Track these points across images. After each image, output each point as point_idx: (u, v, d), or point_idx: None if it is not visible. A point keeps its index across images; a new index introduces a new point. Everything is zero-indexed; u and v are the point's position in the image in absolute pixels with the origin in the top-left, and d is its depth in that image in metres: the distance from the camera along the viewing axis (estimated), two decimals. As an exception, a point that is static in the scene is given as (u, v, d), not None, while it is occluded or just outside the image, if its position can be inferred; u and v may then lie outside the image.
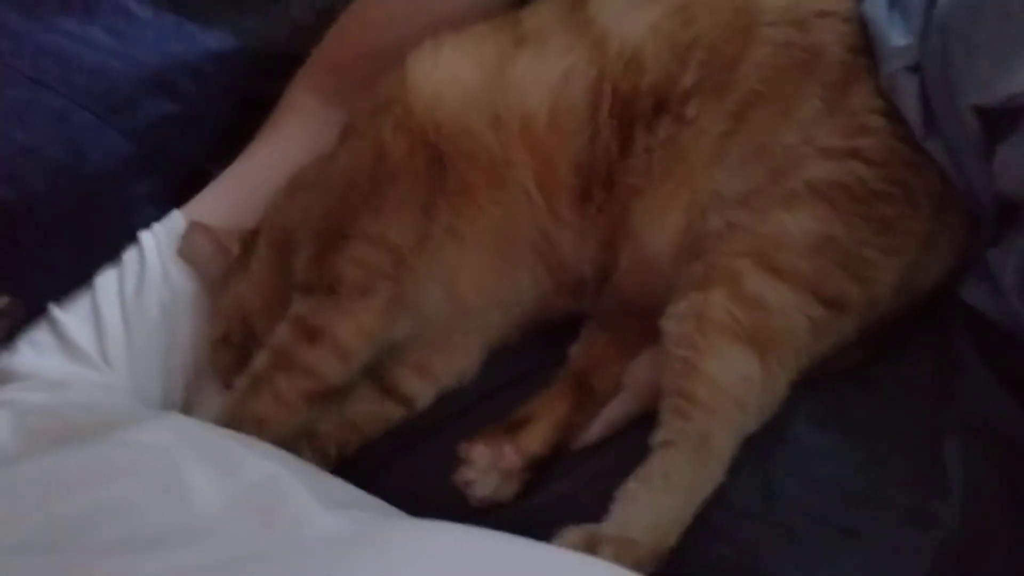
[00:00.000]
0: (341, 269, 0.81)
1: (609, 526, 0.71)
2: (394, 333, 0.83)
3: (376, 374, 0.86)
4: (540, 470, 0.80)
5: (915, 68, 0.76)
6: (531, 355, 0.86)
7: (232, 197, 0.94)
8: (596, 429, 0.80)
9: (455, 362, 0.86)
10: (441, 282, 0.83)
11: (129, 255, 0.90)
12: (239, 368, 0.85)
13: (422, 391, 0.87)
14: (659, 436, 0.72)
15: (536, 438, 0.80)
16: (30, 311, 0.88)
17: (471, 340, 0.86)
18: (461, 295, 0.83)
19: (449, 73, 0.83)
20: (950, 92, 0.74)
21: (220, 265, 0.90)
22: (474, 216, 0.81)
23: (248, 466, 0.69)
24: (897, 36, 0.76)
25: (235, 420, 0.81)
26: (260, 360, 0.82)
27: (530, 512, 0.78)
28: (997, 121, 0.74)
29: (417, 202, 0.81)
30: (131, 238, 0.91)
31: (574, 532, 0.70)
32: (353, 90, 0.91)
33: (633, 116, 0.78)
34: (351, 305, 0.81)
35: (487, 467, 0.79)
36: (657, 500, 0.71)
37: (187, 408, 0.89)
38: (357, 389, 0.86)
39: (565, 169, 0.80)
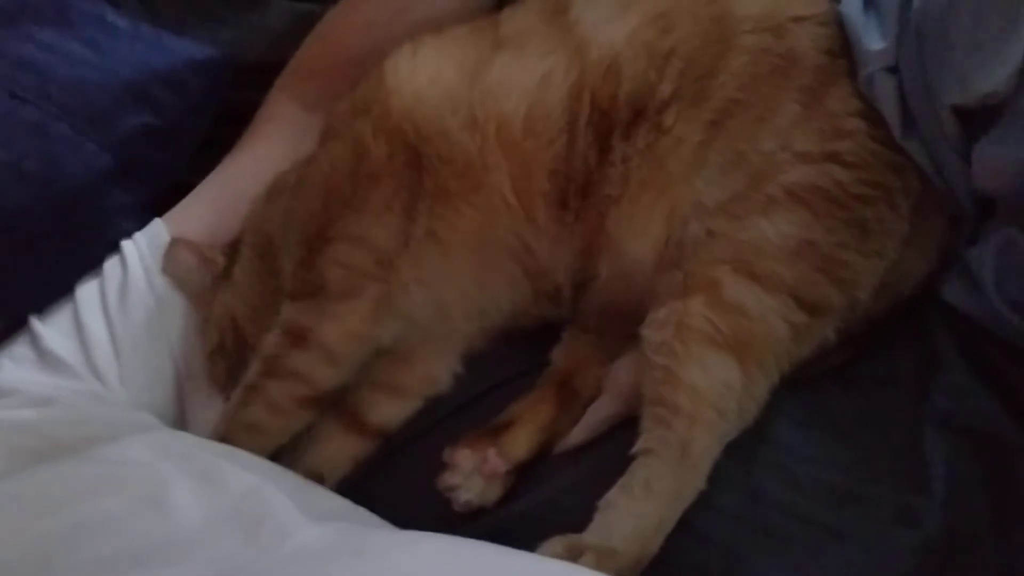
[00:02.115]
0: (326, 272, 0.81)
1: (591, 535, 0.71)
2: (382, 337, 0.83)
3: (342, 408, 0.86)
4: (523, 473, 0.80)
5: (893, 69, 0.76)
6: (514, 360, 0.86)
7: (214, 206, 0.94)
8: (578, 432, 0.80)
9: (427, 376, 0.86)
10: (425, 286, 0.82)
11: (110, 265, 0.89)
12: (235, 376, 0.85)
13: (394, 414, 0.86)
14: (640, 444, 0.72)
15: (519, 442, 0.80)
16: (9, 325, 0.87)
17: (443, 351, 0.86)
18: (444, 300, 0.83)
19: (427, 75, 0.83)
20: (928, 92, 0.75)
21: (205, 279, 0.90)
22: (452, 219, 0.81)
23: (231, 480, 0.69)
24: (873, 39, 0.77)
25: (231, 430, 0.81)
26: (252, 370, 0.82)
27: (514, 518, 0.78)
28: (974, 119, 0.74)
29: (399, 204, 0.81)
30: (111, 250, 0.90)
31: (556, 542, 0.70)
32: (332, 97, 0.90)
33: (610, 125, 0.78)
34: (337, 307, 0.81)
35: (471, 471, 0.79)
36: (638, 508, 0.71)
37: (181, 417, 0.89)
38: (320, 427, 0.85)
39: (540, 175, 0.79)
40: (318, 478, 0.83)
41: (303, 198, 0.86)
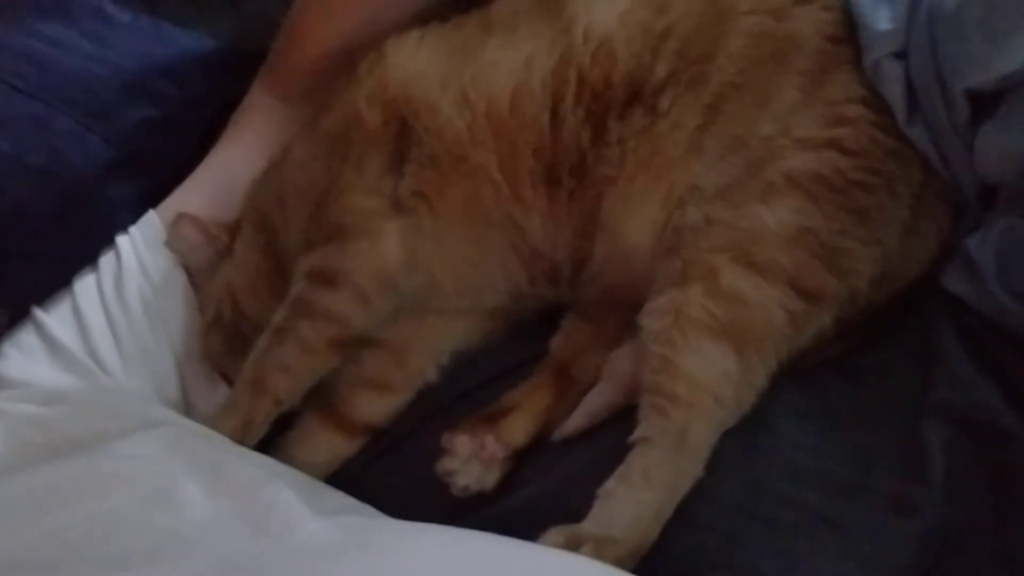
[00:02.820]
0: (341, 218, 0.82)
1: (589, 525, 0.71)
2: (406, 282, 0.82)
3: (325, 404, 0.86)
4: (522, 459, 0.80)
5: (900, 55, 0.75)
6: (513, 350, 0.86)
7: (205, 195, 0.94)
8: (576, 419, 0.80)
9: (415, 370, 0.86)
10: (415, 253, 0.82)
11: (105, 258, 0.90)
12: (230, 349, 0.87)
13: (382, 410, 0.86)
14: (637, 433, 0.73)
15: (517, 428, 0.80)
16: (14, 319, 0.88)
17: (430, 344, 0.87)
18: (436, 274, 0.83)
19: (425, 57, 0.84)
20: (939, 77, 0.74)
21: (209, 254, 0.91)
22: (442, 189, 0.81)
23: (239, 473, 0.70)
24: (881, 20, 0.76)
25: (262, 371, 0.81)
26: (280, 314, 0.82)
27: (513, 508, 0.78)
28: (980, 104, 0.74)
29: (393, 165, 0.82)
30: (113, 243, 0.91)
31: (556, 533, 0.70)
32: (306, 90, 0.92)
33: (605, 106, 0.78)
34: (362, 245, 0.81)
35: (468, 457, 0.79)
36: (636, 497, 0.71)
37: (183, 402, 0.89)
38: (305, 426, 0.86)
39: (525, 152, 0.80)
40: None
41: (300, 168, 0.87)
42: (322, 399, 0.86)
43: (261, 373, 0.81)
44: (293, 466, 0.81)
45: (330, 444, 0.86)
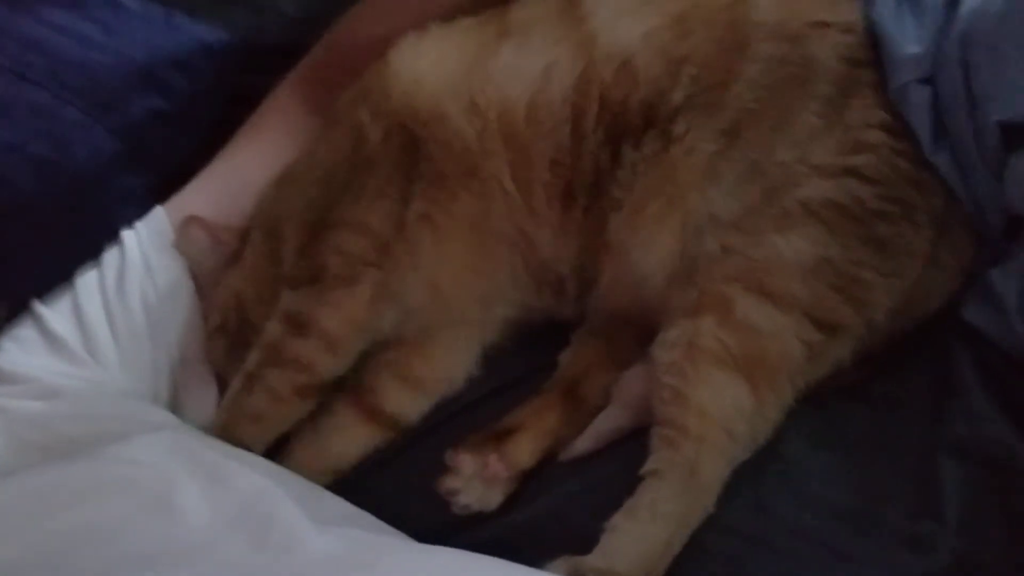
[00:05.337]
0: (325, 259, 0.81)
1: (595, 558, 0.70)
2: (381, 324, 0.82)
3: (358, 394, 0.85)
4: (526, 480, 0.79)
5: (926, 80, 0.74)
6: (520, 361, 0.85)
7: (214, 196, 0.93)
8: (585, 441, 0.79)
9: (444, 372, 0.85)
10: (421, 273, 0.82)
11: (109, 253, 0.89)
12: (233, 356, 0.85)
13: (408, 405, 0.85)
14: (648, 466, 0.72)
15: (523, 448, 0.79)
16: (14, 310, 0.86)
17: (461, 348, 0.85)
18: (441, 289, 0.82)
19: (430, 61, 0.83)
20: (971, 105, 0.73)
21: (217, 259, 0.89)
22: (447, 204, 0.80)
23: (240, 480, 0.69)
24: (909, 44, 0.75)
25: (231, 420, 0.81)
26: (252, 358, 0.82)
27: (516, 527, 0.78)
28: (1011, 133, 0.72)
29: (394, 189, 0.81)
30: (117, 237, 0.89)
31: (560, 564, 0.69)
32: None
33: (623, 130, 0.77)
34: (336, 295, 0.81)
35: (471, 476, 0.78)
36: (644, 532, 0.70)
37: (175, 404, 0.88)
38: (338, 415, 0.85)
39: (540, 164, 0.79)
40: (333, 458, 0.84)
41: (303, 185, 0.86)
42: (353, 387, 0.85)
43: (232, 422, 0.81)
44: (321, 454, 0.82)
45: (360, 434, 0.85)
